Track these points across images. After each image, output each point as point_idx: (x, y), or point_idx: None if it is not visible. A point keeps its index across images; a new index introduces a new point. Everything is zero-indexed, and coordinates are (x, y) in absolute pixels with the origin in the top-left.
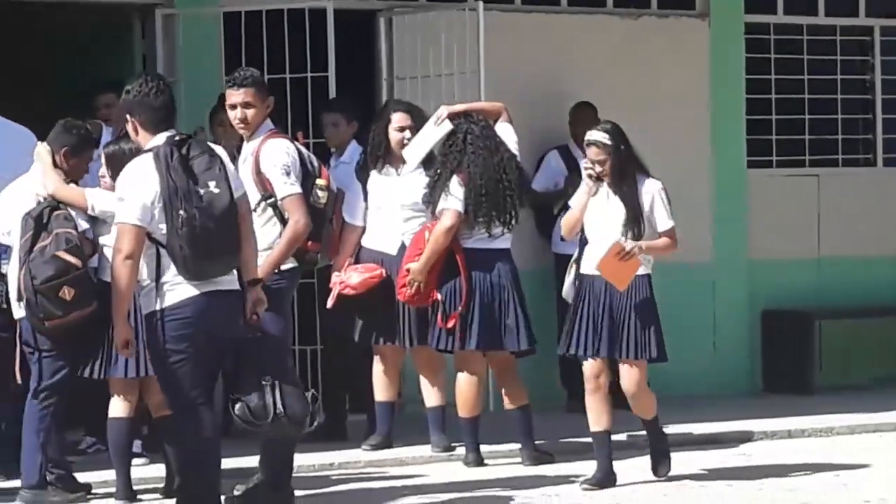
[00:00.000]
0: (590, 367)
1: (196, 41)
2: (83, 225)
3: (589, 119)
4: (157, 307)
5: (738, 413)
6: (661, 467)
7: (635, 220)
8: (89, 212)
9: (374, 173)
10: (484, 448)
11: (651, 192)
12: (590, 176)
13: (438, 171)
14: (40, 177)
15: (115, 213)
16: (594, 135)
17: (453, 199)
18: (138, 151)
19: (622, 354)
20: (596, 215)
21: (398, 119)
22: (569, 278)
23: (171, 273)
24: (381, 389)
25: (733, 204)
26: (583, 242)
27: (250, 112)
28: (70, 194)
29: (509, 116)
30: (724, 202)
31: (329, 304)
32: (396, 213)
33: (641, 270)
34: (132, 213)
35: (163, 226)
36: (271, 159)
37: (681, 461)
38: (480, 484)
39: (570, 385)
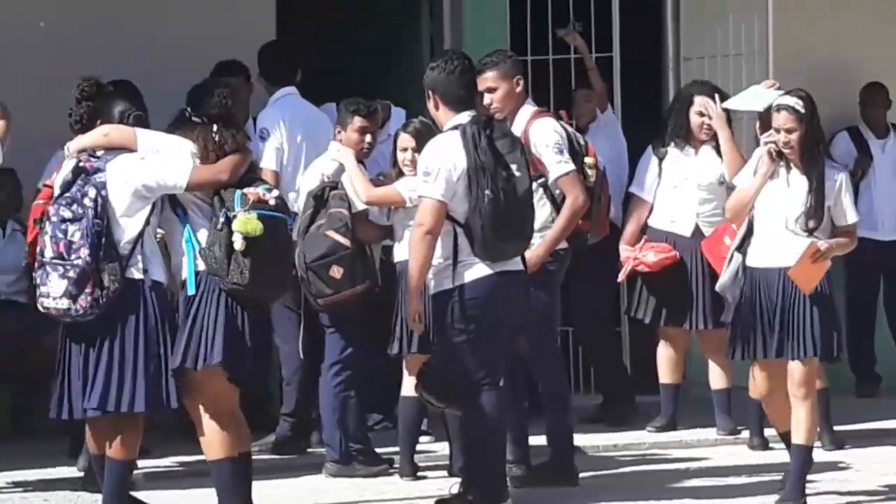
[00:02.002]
0: (760, 370)
1: (483, 22)
2: (359, 206)
3: (880, 100)
4: (451, 286)
5: None
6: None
7: (820, 210)
8: (408, 204)
9: (671, 151)
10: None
11: (836, 179)
12: (769, 152)
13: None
14: (349, 183)
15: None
16: (785, 99)
17: None
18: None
19: (793, 354)
20: (771, 202)
21: (700, 103)
22: (728, 271)
23: (465, 252)
24: (667, 371)
25: None
26: (748, 230)
27: (495, 95)
28: (386, 196)
29: None
30: None
31: (620, 278)
32: (693, 193)
33: None
34: (436, 188)
35: (464, 204)
36: (543, 139)
37: None
38: (765, 468)
39: (859, 369)
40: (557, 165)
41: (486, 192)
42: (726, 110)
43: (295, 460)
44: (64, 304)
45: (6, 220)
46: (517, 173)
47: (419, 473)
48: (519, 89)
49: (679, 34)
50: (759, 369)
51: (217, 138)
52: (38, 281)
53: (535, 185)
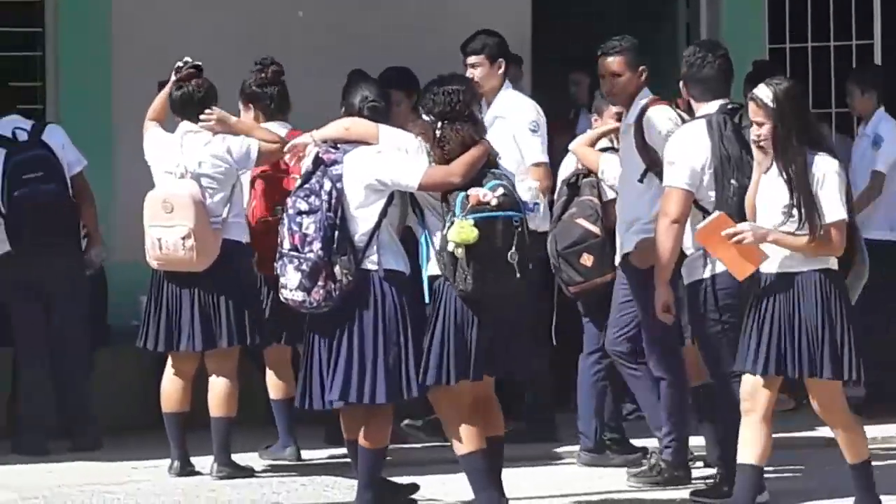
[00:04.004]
0: (746, 382)
1: (740, 8)
2: (609, 194)
3: None
4: (705, 275)
5: None
6: None
7: (801, 207)
8: (600, 176)
9: None
10: None
11: (822, 171)
12: (755, 142)
13: None
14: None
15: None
16: (758, 89)
17: None
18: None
19: (792, 371)
20: (763, 195)
21: None
22: None
23: None
24: None
25: None
26: None
27: (618, 81)
28: (587, 157)
29: None
30: None
31: None
32: None
33: (818, 265)
34: (681, 177)
35: (712, 193)
36: (657, 127)
37: None
38: None
39: None
40: None
41: (732, 181)
42: None
43: (548, 449)
44: (299, 296)
45: None
46: None
47: None
48: (642, 79)
49: None
50: (744, 382)
51: (438, 135)
52: (278, 271)
53: (650, 174)
